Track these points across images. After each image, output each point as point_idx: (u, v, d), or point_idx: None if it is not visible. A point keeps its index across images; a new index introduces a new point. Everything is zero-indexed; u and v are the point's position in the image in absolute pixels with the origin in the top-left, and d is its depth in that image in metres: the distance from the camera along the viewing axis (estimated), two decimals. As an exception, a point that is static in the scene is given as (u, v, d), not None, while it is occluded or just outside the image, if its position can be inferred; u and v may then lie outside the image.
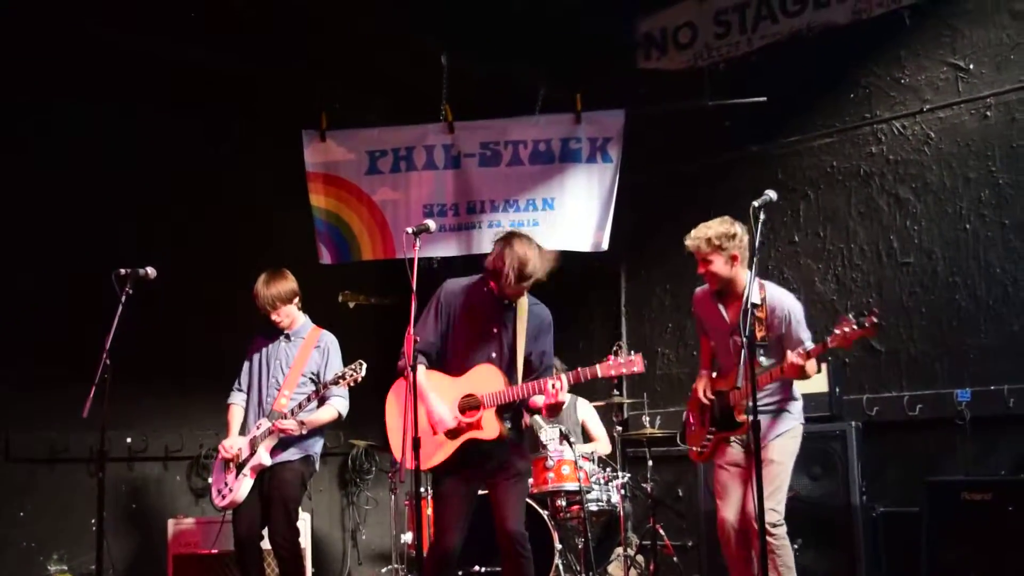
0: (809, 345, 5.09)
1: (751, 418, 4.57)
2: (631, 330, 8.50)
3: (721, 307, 5.33)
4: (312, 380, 5.91)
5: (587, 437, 7.57)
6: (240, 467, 5.79)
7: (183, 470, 7.59)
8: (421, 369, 4.91)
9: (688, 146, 8.15)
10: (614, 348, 4.97)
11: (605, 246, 7.30)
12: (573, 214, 7.35)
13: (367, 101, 8.16)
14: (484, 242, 7.11)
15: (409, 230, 4.98)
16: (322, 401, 5.89)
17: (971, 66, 6.92)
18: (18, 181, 6.85)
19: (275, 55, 7.61)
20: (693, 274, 5.39)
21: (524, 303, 5.02)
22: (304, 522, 6.92)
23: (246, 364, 6.08)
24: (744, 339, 4.57)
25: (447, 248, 7.41)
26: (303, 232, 7.55)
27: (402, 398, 4.89)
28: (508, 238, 4.88)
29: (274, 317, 5.92)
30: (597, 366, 4.79)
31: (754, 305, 4.94)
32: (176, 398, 6.23)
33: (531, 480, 6.56)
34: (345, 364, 5.77)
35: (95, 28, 6.92)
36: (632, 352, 4.84)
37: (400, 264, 4.91)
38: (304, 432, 5.81)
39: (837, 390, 6.70)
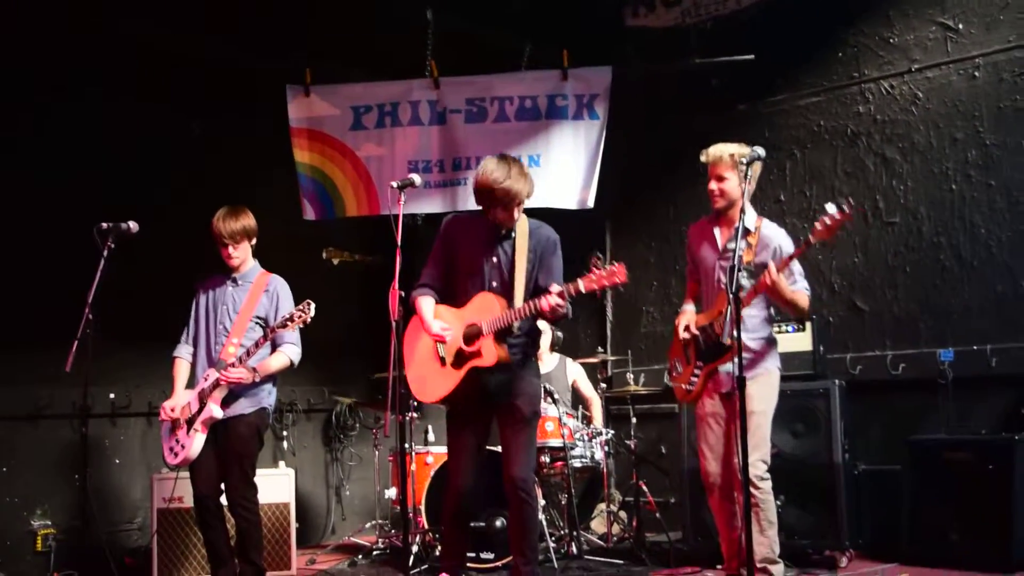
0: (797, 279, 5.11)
1: (732, 341, 4.59)
2: (616, 287, 8.47)
3: (716, 229, 5.31)
4: (261, 326, 5.58)
5: (578, 397, 7.57)
6: (190, 422, 5.50)
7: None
8: (427, 300, 5.01)
9: (675, 104, 8.12)
10: (592, 260, 4.75)
11: (591, 204, 7.26)
12: (559, 171, 7.29)
13: (351, 59, 8.05)
14: (469, 198, 7.03)
15: (394, 184, 4.97)
16: (274, 348, 5.61)
17: (960, 25, 6.88)
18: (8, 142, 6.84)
19: (259, 19, 7.52)
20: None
21: (524, 226, 5.02)
22: (288, 477, 6.92)
23: (192, 313, 5.77)
24: (736, 259, 4.59)
25: (432, 204, 7.36)
26: (287, 189, 7.49)
27: (415, 333, 5.03)
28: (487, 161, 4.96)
29: (231, 251, 5.60)
30: (580, 281, 4.67)
31: (747, 230, 4.95)
32: (160, 354, 6.17)
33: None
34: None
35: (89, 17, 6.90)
36: (613, 262, 4.72)
37: (385, 221, 4.88)
38: (256, 380, 5.50)
39: (821, 348, 6.72)
